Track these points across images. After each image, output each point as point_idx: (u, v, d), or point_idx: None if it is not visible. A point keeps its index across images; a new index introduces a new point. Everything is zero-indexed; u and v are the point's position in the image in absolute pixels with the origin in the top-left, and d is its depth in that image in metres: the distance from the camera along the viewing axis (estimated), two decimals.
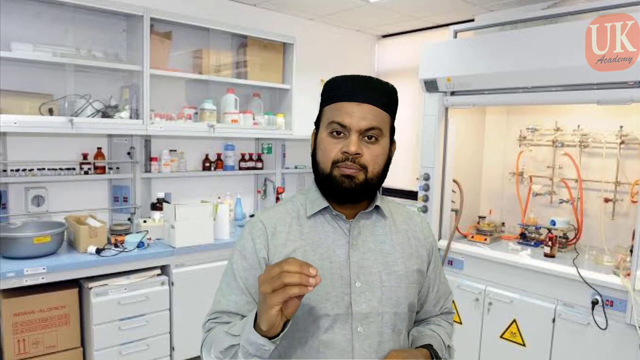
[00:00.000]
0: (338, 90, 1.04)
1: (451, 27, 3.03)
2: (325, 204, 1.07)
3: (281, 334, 0.86)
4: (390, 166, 1.09)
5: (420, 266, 1.13)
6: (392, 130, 1.08)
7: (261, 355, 0.87)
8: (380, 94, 1.04)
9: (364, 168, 1.01)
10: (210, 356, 0.98)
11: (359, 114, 1.00)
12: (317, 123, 1.08)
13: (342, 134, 1.01)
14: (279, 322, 0.84)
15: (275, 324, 0.83)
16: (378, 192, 1.14)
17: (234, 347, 0.92)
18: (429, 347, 1.08)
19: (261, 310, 0.84)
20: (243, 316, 1.02)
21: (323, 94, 1.08)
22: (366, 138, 1.01)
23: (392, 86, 1.08)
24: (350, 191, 1.01)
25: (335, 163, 1.01)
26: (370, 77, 1.06)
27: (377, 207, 1.11)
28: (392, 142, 1.09)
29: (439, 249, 2.99)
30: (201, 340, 1.06)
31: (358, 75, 1.06)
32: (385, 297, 1.04)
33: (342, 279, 1.03)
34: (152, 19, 2.84)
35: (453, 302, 1.30)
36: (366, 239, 1.08)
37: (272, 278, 0.81)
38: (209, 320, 1.07)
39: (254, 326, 0.86)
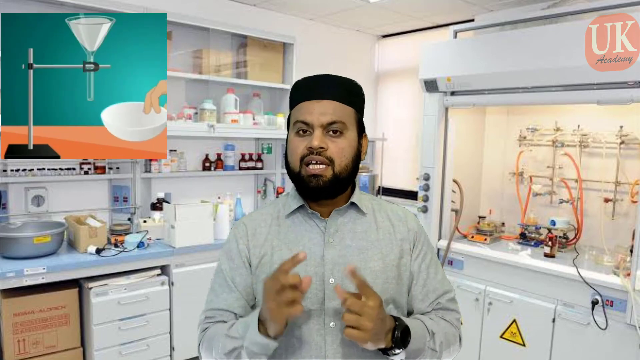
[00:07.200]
0: (300, 91, 1.09)
1: (451, 27, 3.03)
2: (299, 203, 1.10)
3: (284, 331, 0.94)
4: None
5: (401, 260, 1.12)
6: (360, 124, 1.11)
7: (266, 352, 0.95)
8: (340, 89, 1.07)
9: (330, 162, 1.04)
10: (211, 356, 1.05)
11: (319, 110, 1.04)
12: (288, 127, 1.12)
13: (307, 132, 1.05)
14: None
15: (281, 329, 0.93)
16: (357, 188, 1.16)
17: (237, 349, 0.98)
18: (397, 318, 1.01)
19: (270, 320, 0.92)
20: (234, 312, 1.10)
21: (289, 98, 1.12)
22: (331, 132, 1.04)
23: (354, 82, 1.11)
24: (319, 189, 1.04)
25: (302, 160, 1.04)
26: (329, 75, 1.09)
27: (354, 204, 1.12)
28: (361, 136, 1.11)
29: (438, 249, 3.03)
30: (198, 339, 1.12)
31: (318, 75, 1.10)
32: None
33: (317, 276, 1.06)
34: None
35: None
36: (344, 237, 1.09)
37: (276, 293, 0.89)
38: (205, 319, 1.13)
39: (258, 330, 0.94)
